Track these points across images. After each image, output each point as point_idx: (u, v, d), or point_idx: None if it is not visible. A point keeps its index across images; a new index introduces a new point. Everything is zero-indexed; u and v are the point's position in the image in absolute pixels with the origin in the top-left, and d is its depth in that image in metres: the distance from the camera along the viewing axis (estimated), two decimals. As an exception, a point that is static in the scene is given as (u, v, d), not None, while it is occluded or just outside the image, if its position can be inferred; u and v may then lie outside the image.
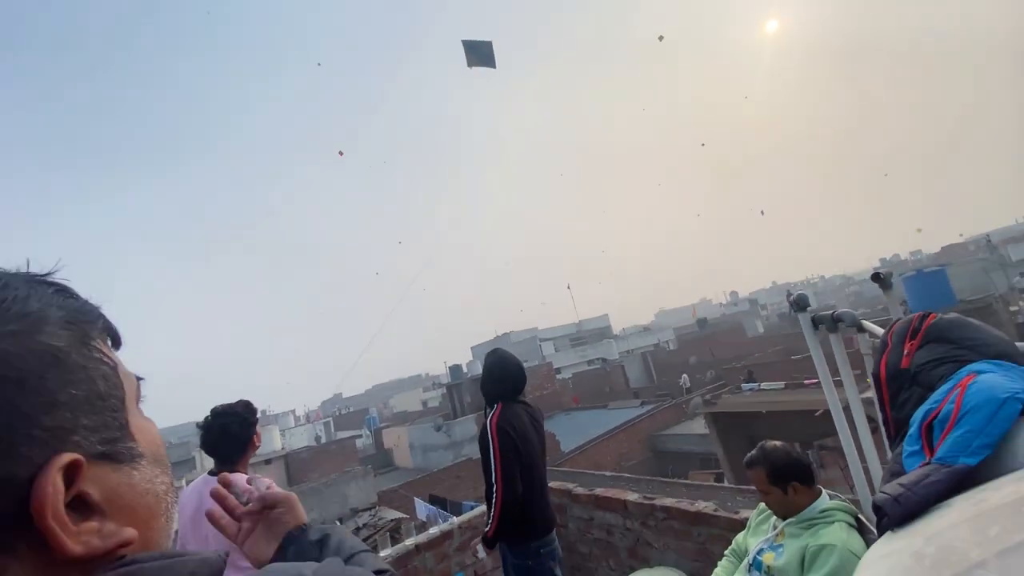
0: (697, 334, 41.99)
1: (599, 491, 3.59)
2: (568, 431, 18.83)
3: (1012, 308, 17.51)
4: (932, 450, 0.97)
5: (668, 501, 2.97)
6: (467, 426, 20.67)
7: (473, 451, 19.35)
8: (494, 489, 2.50)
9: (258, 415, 2.35)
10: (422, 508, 10.83)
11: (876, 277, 1.96)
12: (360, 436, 34.64)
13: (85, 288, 0.44)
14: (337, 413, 56.87)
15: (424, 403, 47.49)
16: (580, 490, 3.70)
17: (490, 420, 2.64)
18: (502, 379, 2.80)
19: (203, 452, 2.30)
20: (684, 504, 2.88)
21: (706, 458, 15.40)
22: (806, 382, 12.83)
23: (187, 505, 2.13)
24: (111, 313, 0.44)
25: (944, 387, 1.04)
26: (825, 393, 1.97)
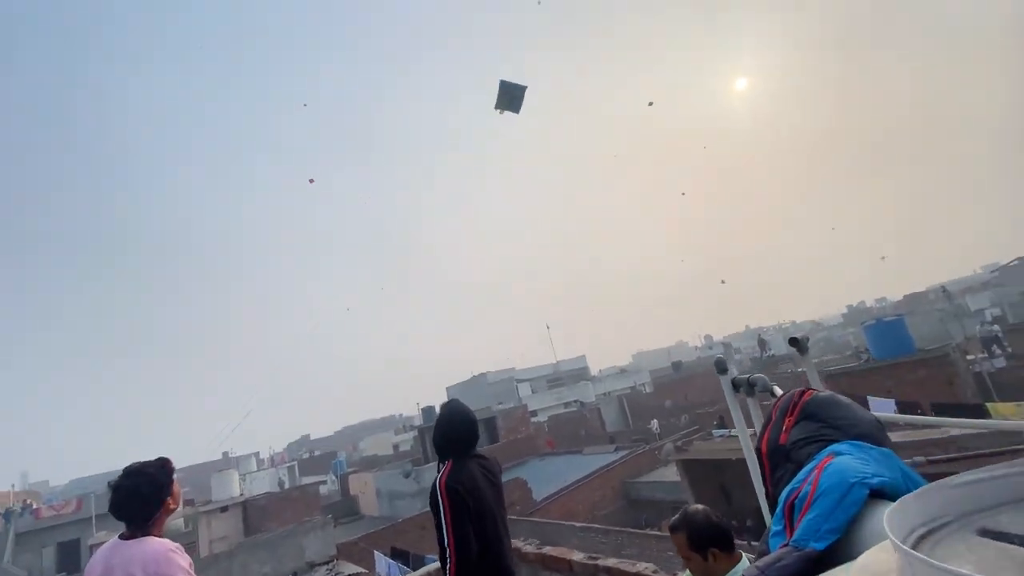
0: (672, 377, 42.14)
1: (547, 550, 3.49)
2: (542, 478, 18.38)
3: (969, 357, 18.13)
4: (793, 530, 0.98)
5: (611, 561, 2.90)
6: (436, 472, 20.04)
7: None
8: (447, 553, 2.40)
9: (175, 473, 2.24)
10: (382, 562, 10.27)
11: (793, 341, 2.03)
12: (325, 482, 33.15)
13: None
14: (303, 456, 54.40)
15: (395, 447, 45.96)
16: (528, 548, 3.59)
17: (439, 480, 2.54)
18: (449, 436, 2.71)
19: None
20: (625, 565, 2.82)
21: (678, 506, 15.04)
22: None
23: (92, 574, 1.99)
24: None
25: (808, 467, 1.07)
26: (744, 451, 1.99)
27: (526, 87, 8.06)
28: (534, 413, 35.31)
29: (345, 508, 25.13)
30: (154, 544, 2.03)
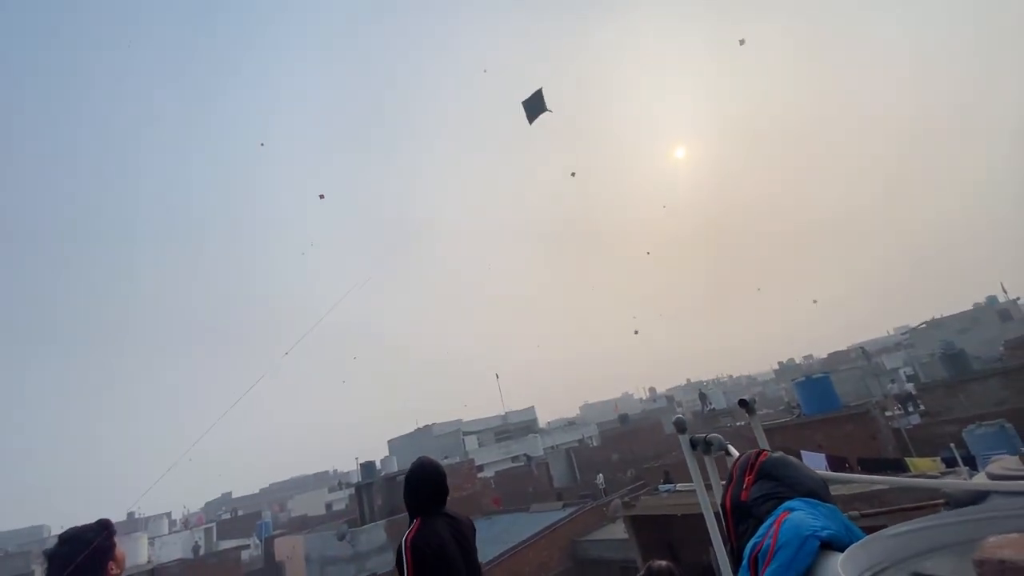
0: (619, 430, 42.40)
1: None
2: (488, 538, 17.63)
3: (887, 413, 19.54)
4: None
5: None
6: (376, 534, 18.80)
7: (381, 565, 17.43)
8: None
9: (115, 536, 2.08)
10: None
11: (743, 403, 2.23)
12: (247, 546, 30.13)
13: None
14: (223, 517, 49.32)
15: (328, 506, 42.86)
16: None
17: (405, 538, 2.48)
18: (419, 492, 2.65)
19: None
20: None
21: (626, 566, 14.90)
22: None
23: None
24: None
25: (767, 522, 1.21)
26: (701, 507, 2.11)
27: (540, 89, 8.81)
28: (481, 468, 34.27)
29: (269, 575, 22.87)
30: None
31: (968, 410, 16.67)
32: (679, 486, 14.77)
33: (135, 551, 21.86)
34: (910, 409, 21.44)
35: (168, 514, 54.70)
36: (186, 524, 44.66)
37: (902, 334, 56.51)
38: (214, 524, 40.74)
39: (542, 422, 53.27)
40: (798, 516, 1.15)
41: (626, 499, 14.72)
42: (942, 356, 24.55)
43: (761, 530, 1.20)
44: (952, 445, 11.15)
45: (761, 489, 1.32)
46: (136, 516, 52.19)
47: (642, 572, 1.95)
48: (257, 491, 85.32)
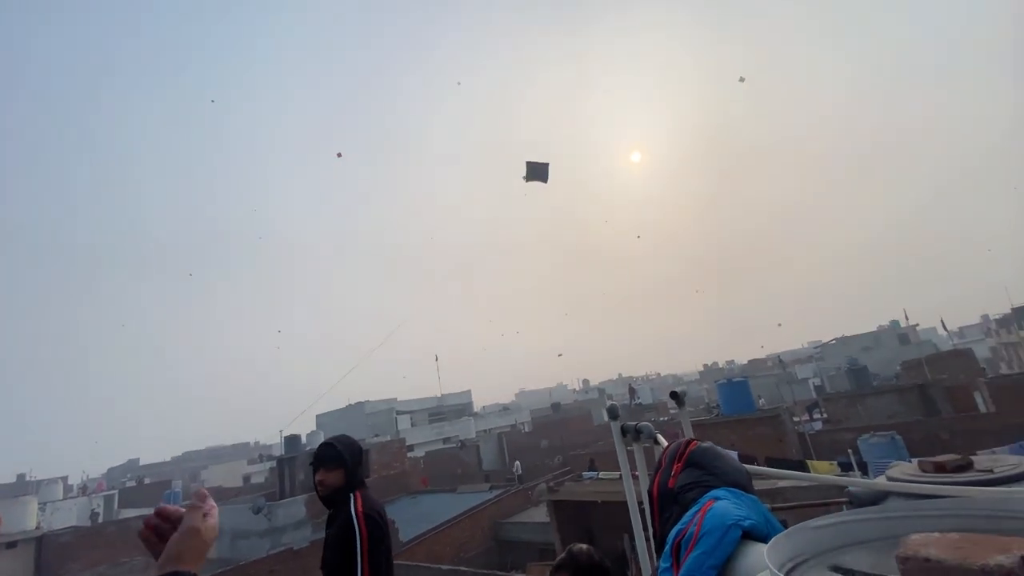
0: (552, 418, 43.51)
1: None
2: (411, 517, 17.57)
3: (795, 418, 21.20)
4: (680, 566, 1.09)
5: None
6: (295, 508, 18.22)
7: (298, 540, 16.92)
8: None
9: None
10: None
11: (673, 395, 2.26)
12: (152, 517, 28.36)
13: None
14: (127, 484, 46.06)
15: (247, 478, 41.20)
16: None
17: (356, 509, 2.30)
18: (361, 464, 2.52)
19: None
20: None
21: (545, 548, 15.35)
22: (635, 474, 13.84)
23: None
24: None
25: (692, 510, 1.19)
26: (626, 494, 2.13)
27: (548, 164, 9.56)
28: (411, 448, 34.06)
29: (175, 548, 21.66)
30: None
31: (864, 420, 18.39)
32: (602, 474, 15.35)
33: (21, 516, 19.93)
34: (815, 416, 23.40)
35: (64, 478, 50.65)
36: (84, 490, 41.49)
37: (815, 348, 61.42)
38: (116, 492, 38.01)
39: (478, 406, 53.68)
40: (723, 505, 1.14)
41: (551, 484, 15.12)
42: (847, 370, 26.92)
43: (686, 517, 1.19)
44: (849, 451, 12.24)
45: (688, 477, 1.31)
46: (27, 479, 47.91)
47: (563, 555, 1.93)
48: (168, 459, 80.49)
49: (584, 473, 16.02)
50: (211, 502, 0.91)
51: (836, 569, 0.78)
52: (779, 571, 0.74)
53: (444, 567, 12.29)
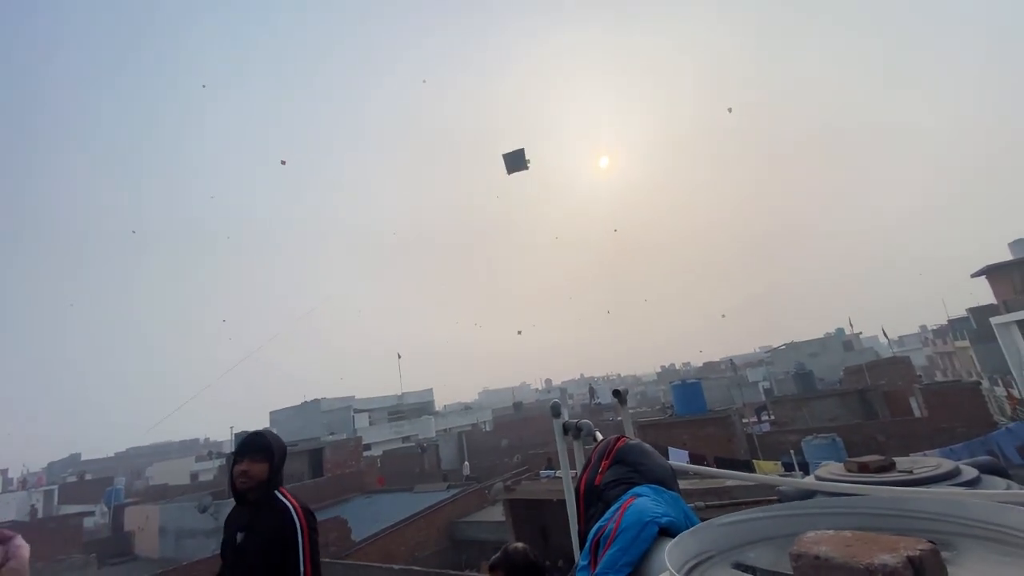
0: (513, 417, 43.62)
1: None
2: (366, 517, 17.21)
3: (744, 420, 21.98)
4: (597, 563, 1.07)
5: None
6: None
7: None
8: None
9: None
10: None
11: (616, 393, 2.27)
12: (93, 513, 26.90)
13: None
14: (68, 479, 43.49)
15: (194, 476, 39.42)
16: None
17: (294, 505, 2.13)
18: (284, 463, 2.32)
19: None
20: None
21: (500, 547, 15.26)
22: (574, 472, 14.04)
23: None
24: None
25: (614, 507, 1.18)
26: (565, 492, 2.12)
27: (523, 148, 9.62)
28: (368, 447, 33.41)
29: (115, 546, 20.59)
30: None
31: (808, 423, 19.25)
32: (558, 473, 15.47)
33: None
34: (763, 418, 24.35)
35: (4, 471, 47.21)
36: (24, 484, 39.07)
37: (765, 352, 63.99)
38: (56, 487, 36.07)
39: (439, 405, 53.18)
40: (642, 502, 1.14)
41: (508, 483, 15.13)
42: (794, 375, 28.16)
43: (607, 514, 1.18)
44: (792, 452, 12.77)
45: (614, 474, 1.30)
46: (-37, 470, 44.66)
47: (498, 554, 1.91)
48: (112, 455, 76.25)
49: (542, 472, 16.11)
50: (18, 540, 0.78)
51: (737, 566, 0.77)
52: (678, 571, 0.72)
53: (396, 567, 12.08)
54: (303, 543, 2.02)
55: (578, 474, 1.43)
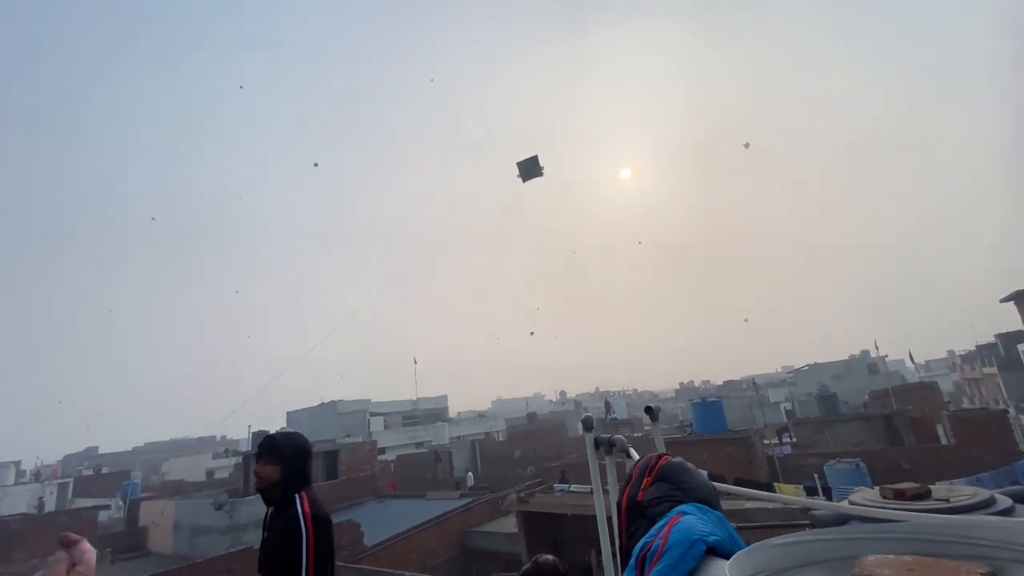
0: (526, 427, 43.40)
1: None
2: (377, 522, 17.25)
3: (765, 441, 21.50)
4: None
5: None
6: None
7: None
8: None
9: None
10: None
11: (648, 410, 2.28)
12: (108, 507, 27.43)
13: None
14: (84, 473, 44.46)
15: (210, 473, 40.08)
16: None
17: (303, 509, 2.15)
18: (308, 464, 2.36)
19: None
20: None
21: (512, 559, 15.22)
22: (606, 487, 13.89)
23: None
24: None
25: (659, 523, 1.20)
26: (596, 506, 2.13)
27: (536, 156, 9.59)
28: (382, 451, 33.59)
29: (129, 541, 20.93)
30: None
31: (831, 447, 18.75)
32: (573, 487, 15.32)
33: (-34, 501, 19.21)
34: (784, 440, 23.78)
35: (17, 463, 48.56)
36: (38, 476, 39.96)
37: (788, 372, 62.55)
38: (71, 480, 36.67)
39: (453, 411, 53.21)
40: (689, 520, 1.16)
41: (522, 495, 15.05)
42: (817, 396, 27.49)
43: (652, 530, 1.20)
44: (815, 476, 12.45)
45: (658, 491, 1.32)
46: (-22, 463, 45.92)
47: (527, 565, 1.93)
48: (129, 449, 78.00)
49: (555, 485, 15.98)
50: (84, 545, 0.82)
51: (793, 586, 0.79)
52: None
53: (408, 574, 12.08)
54: (307, 554, 2.03)
55: (620, 490, 1.45)
